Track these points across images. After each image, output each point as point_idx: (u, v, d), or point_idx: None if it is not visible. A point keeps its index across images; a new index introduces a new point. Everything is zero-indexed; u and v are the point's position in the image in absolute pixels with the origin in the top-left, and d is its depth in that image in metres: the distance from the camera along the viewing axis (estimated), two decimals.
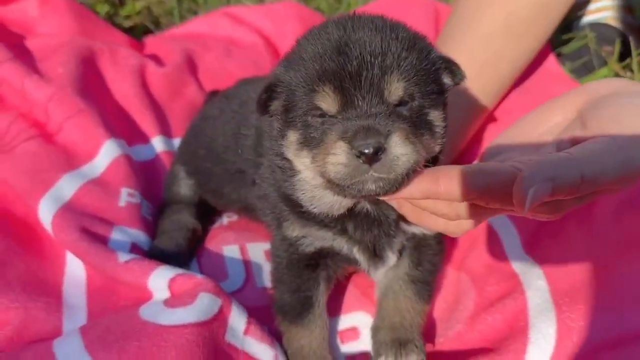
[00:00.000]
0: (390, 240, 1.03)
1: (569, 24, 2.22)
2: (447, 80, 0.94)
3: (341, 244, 1.03)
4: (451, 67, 0.93)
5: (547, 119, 0.95)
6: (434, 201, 0.85)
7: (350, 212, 0.98)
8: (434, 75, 0.90)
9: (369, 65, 0.81)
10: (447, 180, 0.80)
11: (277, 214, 1.05)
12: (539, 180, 0.72)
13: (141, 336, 0.95)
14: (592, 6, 2.18)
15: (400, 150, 0.77)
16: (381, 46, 0.83)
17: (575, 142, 0.85)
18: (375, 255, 1.04)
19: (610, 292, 1.09)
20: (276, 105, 0.91)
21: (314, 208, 0.96)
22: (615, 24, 2.10)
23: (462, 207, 0.86)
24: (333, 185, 0.83)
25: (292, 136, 0.88)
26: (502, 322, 1.08)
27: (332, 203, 0.94)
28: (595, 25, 2.11)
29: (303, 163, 0.89)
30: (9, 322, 1.03)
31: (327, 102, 0.82)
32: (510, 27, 1.43)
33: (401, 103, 0.84)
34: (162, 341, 0.94)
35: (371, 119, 0.79)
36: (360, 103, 0.81)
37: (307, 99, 0.84)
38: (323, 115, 0.83)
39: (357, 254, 1.04)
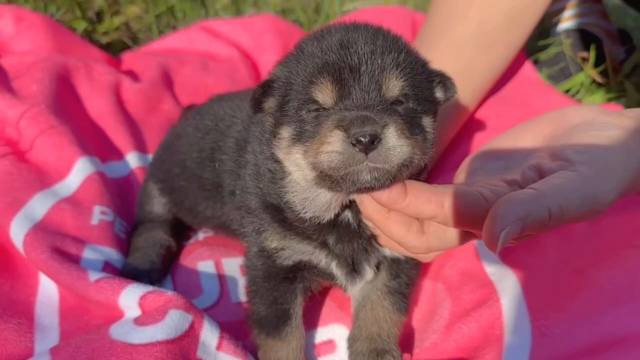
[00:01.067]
0: (368, 256, 1.03)
1: (545, 31, 2.25)
2: (439, 94, 0.96)
3: (320, 258, 1.03)
4: (445, 81, 0.96)
5: (517, 142, 0.99)
6: (406, 233, 0.88)
7: (333, 224, 0.97)
8: (428, 85, 0.92)
9: (370, 60, 0.83)
10: (413, 196, 0.82)
11: (256, 224, 1.04)
12: (510, 220, 0.73)
13: (110, 355, 0.94)
14: (567, 13, 2.21)
15: (396, 141, 0.78)
16: (382, 46, 0.85)
17: (541, 171, 0.86)
18: (354, 270, 1.04)
19: (587, 298, 1.10)
20: (271, 103, 0.92)
21: (306, 212, 0.94)
22: (591, 29, 2.13)
23: (433, 240, 0.90)
24: (325, 178, 0.82)
25: (285, 132, 0.88)
26: (477, 331, 1.08)
27: (325, 204, 0.93)
28: (572, 32, 2.14)
29: (294, 161, 0.88)
30: None
31: (324, 93, 0.83)
32: (481, 37, 1.45)
33: (397, 102, 0.85)
34: (131, 357, 0.93)
35: (368, 110, 0.79)
36: (357, 95, 0.82)
37: (304, 92, 0.85)
38: (318, 109, 0.84)
39: (335, 269, 1.04)
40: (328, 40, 0.87)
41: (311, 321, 1.18)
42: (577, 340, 1.02)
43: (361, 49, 0.83)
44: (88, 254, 1.20)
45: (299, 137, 0.85)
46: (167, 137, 1.43)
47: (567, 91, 1.90)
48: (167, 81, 1.82)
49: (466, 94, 1.46)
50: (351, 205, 0.94)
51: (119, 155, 1.54)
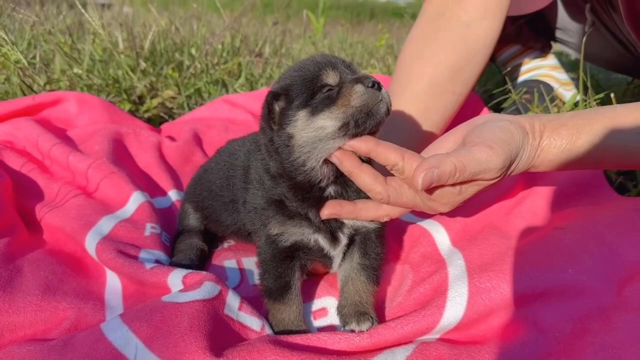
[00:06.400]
0: (341, 226, 1.40)
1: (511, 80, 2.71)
2: None
3: (309, 237, 1.38)
4: None
5: (445, 143, 1.35)
6: (373, 182, 1.25)
7: (318, 199, 1.33)
8: None
9: (340, 60, 1.29)
10: (384, 146, 1.23)
11: (263, 220, 1.42)
12: (426, 168, 1.13)
13: (163, 310, 1.26)
14: (524, 68, 2.68)
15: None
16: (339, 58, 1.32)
17: None
18: (333, 237, 1.39)
19: (513, 263, 1.39)
20: (279, 105, 1.26)
21: (307, 166, 1.26)
22: (543, 79, 2.58)
23: (392, 191, 1.28)
24: (350, 122, 1.18)
25: (300, 114, 1.22)
26: (430, 290, 1.41)
27: (326, 152, 1.24)
28: (528, 82, 2.59)
29: (315, 126, 1.20)
30: (67, 318, 1.36)
31: (331, 77, 1.24)
32: (432, 89, 1.84)
33: None
34: (177, 311, 1.25)
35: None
36: (347, 74, 1.25)
37: (311, 85, 1.22)
38: (330, 89, 1.22)
39: (320, 239, 1.38)
40: (312, 59, 1.31)
41: (310, 296, 1.52)
42: (504, 292, 1.32)
43: (333, 58, 1.29)
44: (143, 254, 1.58)
45: (319, 109, 1.20)
46: (198, 171, 1.86)
47: None
48: (197, 140, 2.29)
49: (426, 129, 1.85)
50: (336, 181, 1.33)
51: (163, 192, 1.97)
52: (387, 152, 1.22)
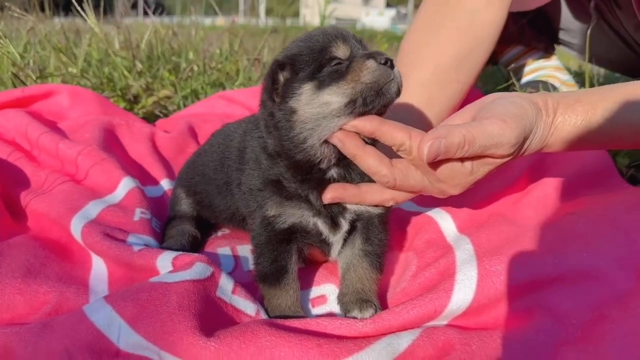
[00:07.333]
0: (343, 211, 1.32)
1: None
2: None
3: (308, 219, 1.30)
4: None
5: (454, 122, 1.28)
6: (378, 164, 1.19)
7: (318, 181, 1.26)
8: None
9: (350, 35, 1.22)
10: (389, 125, 1.15)
11: (259, 201, 1.33)
12: (433, 137, 1.06)
13: (150, 290, 1.18)
14: (527, 68, 2.64)
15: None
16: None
17: None
18: (334, 222, 1.31)
19: (524, 246, 1.33)
20: (284, 75, 1.19)
21: (307, 143, 1.20)
22: (547, 80, 2.54)
23: (398, 174, 1.22)
24: (357, 99, 1.12)
25: (305, 87, 1.15)
26: (436, 274, 1.32)
27: (326, 131, 1.18)
28: (532, 82, 2.55)
29: (320, 101, 1.14)
30: (48, 302, 1.28)
31: (342, 50, 1.17)
32: (437, 77, 1.80)
33: None
34: (165, 291, 1.17)
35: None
36: (358, 48, 1.19)
37: (319, 57, 1.16)
38: (339, 62, 1.16)
39: (320, 224, 1.31)
40: (321, 30, 1.24)
41: (308, 283, 1.44)
42: (516, 276, 1.24)
43: (345, 31, 1.22)
44: (131, 239, 1.49)
45: (324, 84, 1.14)
46: (191, 157, 1.79)
47: None
48: (192, 133, 2.22)
49: (429, 119, 1.80)
50: (338, 163, 1.26)
51: (155, 182, 1.90)
52: (393, 131, 1.14)
